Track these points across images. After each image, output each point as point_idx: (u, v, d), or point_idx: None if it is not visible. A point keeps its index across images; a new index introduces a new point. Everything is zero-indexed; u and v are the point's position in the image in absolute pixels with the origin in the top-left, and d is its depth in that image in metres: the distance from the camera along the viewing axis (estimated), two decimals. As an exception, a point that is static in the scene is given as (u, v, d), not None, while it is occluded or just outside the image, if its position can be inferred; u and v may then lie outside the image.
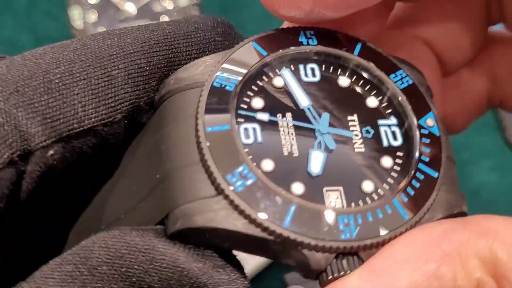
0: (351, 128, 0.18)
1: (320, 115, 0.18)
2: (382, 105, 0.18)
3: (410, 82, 0.18)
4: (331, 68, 0.19)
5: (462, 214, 0.17)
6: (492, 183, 0.40)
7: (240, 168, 0.16)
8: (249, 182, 0.16)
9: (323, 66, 0.19)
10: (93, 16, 0.42)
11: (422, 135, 0.18)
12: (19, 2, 0.46)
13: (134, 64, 0.17)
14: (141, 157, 0.18)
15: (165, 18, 0.43)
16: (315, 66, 0.19)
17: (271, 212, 0.16)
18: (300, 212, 0.16)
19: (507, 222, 0.16)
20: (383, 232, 0.16)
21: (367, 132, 0.18)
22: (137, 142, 0.18)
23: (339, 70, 0.19)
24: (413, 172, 0.17)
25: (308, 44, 0.18)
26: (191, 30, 0.18)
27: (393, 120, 0.18)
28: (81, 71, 0.17)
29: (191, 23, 0.19)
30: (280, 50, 0.18)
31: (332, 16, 0.18)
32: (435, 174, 0.17)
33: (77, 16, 0.42)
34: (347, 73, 0.19)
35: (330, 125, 0.18)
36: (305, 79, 0.18)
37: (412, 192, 0.17)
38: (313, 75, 0.19)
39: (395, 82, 0.18)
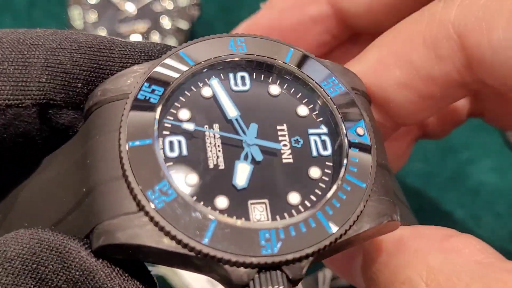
0: (280, 138, 0.17)
1: (248, 126, 0.18)
2: (313, 114, 0.18)
3: (342, 89, 0.18)
4: (262, 76, 0.18)
5: (393, 222, 0.17)
6: (492, 183, 0.40)
7: (161, 185, 0.16)
8: (169, 198, 0.16)
9: (254, 74, 0.18)
10: (93, 16, 0.42)
11: (351, 145, 0.17)
12: (19, 2, 0.46)
13: (55, 58, 0.17)
14: (69, 167, 0.18)
15: (165, 18, 0.43)
16: (245, 74, 0.18)
17: (191, 229, 0.16)
18: (220, 228, 0.16)
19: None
20: (305, 246, 0.16)
21: (296, 142, 0.18)
22: (65, 150, 0.18)
23: (270, 78, 0.18)
24: (339, 183, 0.17)
25: (238, 52, 0.18)
26: (130, 44, 0.19)
27: (323, 129, 0.18)
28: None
29: (136, 43, 0.19)
30: (209, 59, 0.18)
31: None
32: (363, 185, 0.17)
33: (77, 16, 0.42)
34: (278, 81, 0.18)
35: (258, 135, 0.17)
36: (234, 88, 0.18)
37: (338, 204, 0.17)
38: (243, 83, 0.18)
39: (326, 89, 0.18)
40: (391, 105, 0.21)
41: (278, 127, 0.18)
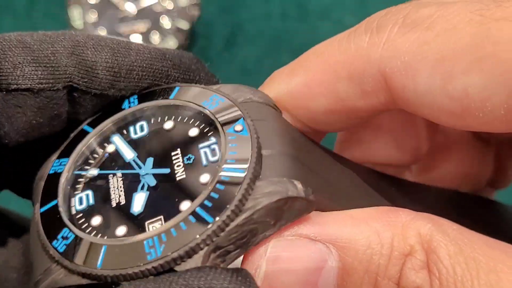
0: (175, 162, 0.19)
1: (145, 162, 0.20)
2: (204, 131, 0.20)
3: (223, 100, 0.20)
4: (158, 118, 0.21)
5: (290, 198, 0.18)
6: (492, 183, 0.40)
7: (63, 232, 0.18)
8: (68, 241, 0.18)
9: (151, 119, 0.21)
10: (93, 16, 0.42)
11: (229, 142, 0.19)
12: (19, 2, 0.46)
13: (80, 50, 0.20)
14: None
15: (165, 18, 0.43)
16: (143, 122, 0.21)
17: (88, 258, 0.18)
18: (111, 251, 0.18)
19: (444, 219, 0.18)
20: (188, 240, 0.17)
21: (189, 159, 0.19)
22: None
23: (164, 117, 0.20)
24: (219, 176, 0.18)
25: (129, 107, 0.21)
26: (159, 54, 0.21)
27: (212, 140, 0.19)
28: (29, 41, 0.19)
29: (164, 53, 0.21)
30: (105, 122, 0.20)
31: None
32: (242, 173, 0.18)
33: (77, 16, 0.42)
34: (169, 117, 0.20)
35: (154, 166, 0.20)
36: (134, 136, 0.20)
37: (216, 196, 0.18)
38: (141, 130, 0.21)
39: (207, 106, 0.20)
40: (316, 125, 0.22)
41: (173, 153, 0.20)
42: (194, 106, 0.20)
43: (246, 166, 0.18)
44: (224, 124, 0.19)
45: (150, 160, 0.20)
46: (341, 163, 0.23)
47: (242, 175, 0.18)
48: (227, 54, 0.45)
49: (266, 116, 0.20)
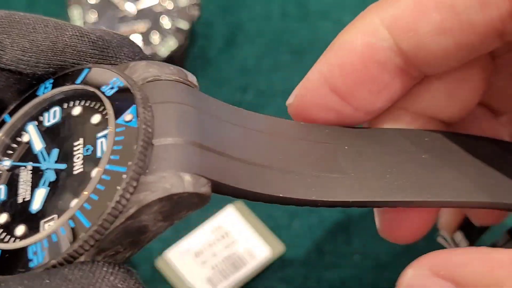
0: (75, 153, 0.18)
1: (50, 154, 0.19)
2: (104, 119, 0.18)
3: (122, 84, 0.18)
4: (67, 104, 0.19)
5: (175, 195, 0.17)
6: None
7: None
8: None
9: (63, 105, 0.19)
10: (92, 16, 0.42)
11: (116, 134, 0.17)
12: (19, 2, 0.46)
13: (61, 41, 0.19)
14: None
15: (165, 18, 0.43)
16: (57, 108, 0.19)
17: None
18: (3, 256, 0.17)
19: None
20: (66, 247, 0.16)
21: (87, 150, 0.18)
22: None
23: (71, 102, 0.19)
24: (99, 175, 0.17)
25: (43, 94, 0.19)
26: (76, 31, 0.20)
27: (110, 129, 0.18)
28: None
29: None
30: (21, 110, 0.19)
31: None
32: (123, 169, 0.17)
33: (76, 16, 0.42)
34: (75, 103, 0.19)
35: (59, 159, 0.18)
36: (47, 124, 0.19)
37: (96, 197, 0.17)
38: (54, 117, 0.19)
39: (105, 91, 0.19)
40: (422, 53, 0.20)
41: (75, 144, 0.18)
42: (94, 91, 0.19)
43: (129, 161, 0.17)
44: (116, 112, 0.18)
45: (55, 152, 0.19)
46: (279, 137, 0.21)
47: (123, 171, 0.17)
48: (227, 54, 0.45)
49: (172, 97, 0.19)
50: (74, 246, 0.16)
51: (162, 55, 0.42)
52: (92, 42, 0.20)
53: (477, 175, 0.22)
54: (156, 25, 0.42)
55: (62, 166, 0.18)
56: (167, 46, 0.42)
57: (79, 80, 0.19)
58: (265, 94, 0.44)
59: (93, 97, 0.19)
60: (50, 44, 0.20)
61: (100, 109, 0.19)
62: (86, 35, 0.20)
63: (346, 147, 0.21)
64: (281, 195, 0.19)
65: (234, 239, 0.38)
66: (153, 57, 0.42)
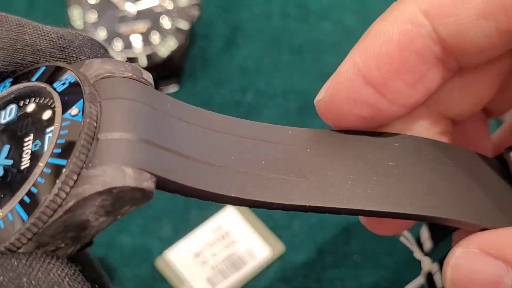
0: (25, 149, 0.18)
1: (1, 150, 0.18)
2: (53, 115, 0.18)
3: (73, 80, 0.18)
4: (22, 101, 0.19)
5: (115, 189, 0.17)
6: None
7: None
8: None
9: (19, 102, 0.19)
10: (92, 16, 0.42)
11: (61, 128, 0.17)
12: (19, 2, 0.46)
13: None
14: None
15: (165, 19, 0.43)
16: (13, 106, 0.19)
17: None
18: None
19: None
20: (3, 240, 0.16)
21: (35, 145, 0.18)
22: None
23: (26, 100, 0.19)
24: (40, 169, 0.17)
25: (1, 92, 0.19)
26: (36, 29, 0.20)
27: (53, 125, 0.18)
28: None
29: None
30: None
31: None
32: (63, 162, 0.17)
33: (76, 16, 0.42)
34: (30, 100, 0.19)
35: (8, 155, 0.18)
36: (3, 121, 0.19)
37: (35, 190, 0.17)
38: (10, 114, 0.19)
39: (57, 87, 0.18)
40: (462, 40, 0.20)
41: (26, 139, 0.18)
42: (46, 87, 0.19)
43: (70, 155, 0.17)
44: (64, 107, 0.18)
45: (6, 148, 0.18)
46: (235, 136, 0.20)
47: (64, 164, 0.17)
48: (227, 54, 0.45)
49: (123, 93, 0.18)
50: (11, 239, 0.16)
51: (162, 55, 0.42)
52: (52, 41, 0.20)
53: (442, 188, 0.21)
54: (156, 25, 0.42)
55: (9, 162, 0.18)
56: (167, 46, 0.42)
57: (34, 78, 0.19)
58: (265, 94, 0.44)
59: (45, 94, 0.19)
60: (10, 41, 0.20)
61: (52, 105, 0.18)
62: (46, 34, 0.20)
63: (308, 150, 0.21)
64: (232, 195, 0.19)
65: (234, 239, 0.38)
66: (153, 57, 0.42)
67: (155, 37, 0.42)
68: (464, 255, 0.20)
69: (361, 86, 0.20)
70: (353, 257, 0.39)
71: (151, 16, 0.43)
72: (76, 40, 0.20)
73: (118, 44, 0.42)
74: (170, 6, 0.43)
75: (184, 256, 0.38)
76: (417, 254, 0.23)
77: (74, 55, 0.20)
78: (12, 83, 0.19)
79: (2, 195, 0.17)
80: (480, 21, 0.19)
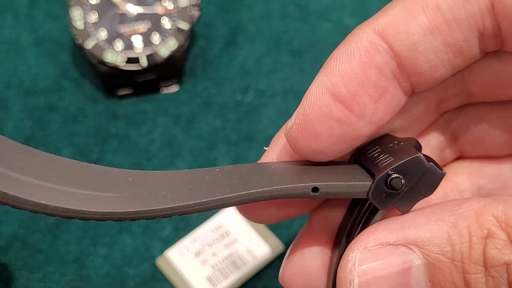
0: None
1: None
2: None
3: None
4: None
5: None
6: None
7: None
8: None
9: None
10: (93, 17, 0.43)
11: None
12: (20, 2, 0.47)
13: None
14: None
15: (165, 19, 0.43)
16: None
17: None
18: None
19: None
20: None
21: None
22: None
23: None
24: None
25: None
26: None
27: None
28: None
29: None
30: None
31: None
32: None
33: (77, 17, 0.42)
34: None
35: None
36: None
37: None
38: None
39: None
40: (414, 54, 0.21)
41: None
42: None
43: None
44: None
45: None
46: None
47: None
48: (227, 54, 0.45)
49: None
50: None
51: (162, 55, 0.42)
52: None
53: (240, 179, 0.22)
54: (156, 26, 0.43)
55: None
56: (168, 46, 0.42)
57: None
58: (265, 94, 0.44)
59: None
60: None
61: None
62: None
63: (130, 179, 0.22)
64: (43, 202, 0.20)
65: (234, 238, 0.39)
66: (153, 57, 0.42)
67: (155, 38, 0.42)
68: (365, 257, 0.20)
69: (330, 103, 0.22)
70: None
71: (151, 16, 0.43)
72: None
73: (118, 45, 0.42)
74: (170, 6, 0.43)
75: (184, 256, 0.38)
76: None
77: None
78: None
79: None
80: (428, 37, 0.21)
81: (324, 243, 0.25)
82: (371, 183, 0.21)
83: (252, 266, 0.38)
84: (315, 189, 0.21)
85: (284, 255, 0.38)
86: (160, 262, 0.38)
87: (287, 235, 0.39)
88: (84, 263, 0.37)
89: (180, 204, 0.21)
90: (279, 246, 0.38)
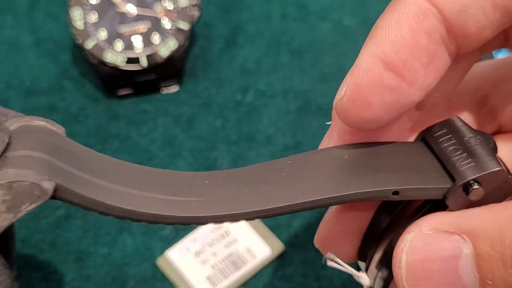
0: None
1: None
2: None
3: None
4: None
5: (14, 183, 0.19)
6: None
7: None
8: None
9: None
10: (93, 17, 0.43)
11: None
12: (20, 2, 0.47)
13: None
14: None
15: (165, 20, 0.43)
16: None
17: None
18: None
19: None
20: None
21: None
22: None
23: None
24: None
25: None
26: None
27: None
28: None
29: None
30: None
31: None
32: None
33: (77, 17, 0.42)
34: None
35: None
36: None
37: None
38: None
39: None
40: (463, 17, 0.22)
41: None
42: None
43: None
44: None
45: None
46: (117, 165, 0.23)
47: None
48: (227, 54, 0.45)
49: (32, 133, 0.21)
50: None
51: (162, 56, 0.42)
52: None
53: (330, 178, 0.22)
54: (156, 26, 0.43)
55: None
56: (168, 46, 0.42)
57: None
58: (265, 94, 0.44)
59: None
60: None
61: None
62: None
63: (207, 182, 0.22)
64: (130, 208, 0.20)
65: (234, 238, 0.39)
66: (153, 57, 0.42)
67: (155, 38, 0.43)
68: (418, 238, 0.21)
69: (381, 72, 0.22)
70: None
71: (151, 16, 0.43)
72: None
73: (118, 45, 0.42)
74: (170, 6, 0.43)
75: (185, 256, 0.38)
76: (353, 272, 0.24)
77: None
78: None
79: None
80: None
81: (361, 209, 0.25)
82: (449, 186, 0.22)
83: (252, 266, 0.38)
84: (395, 192, 0.22)
85: (284, 255, 0.38)
86: (160, 261, 0.38)
87: (287, 235, 0.39)
88: (85, 263, 0.37)
89: (265, 208, 0.21)
90: (278, 246, 0.39)
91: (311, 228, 0.39)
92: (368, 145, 0.24)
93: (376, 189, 0.22)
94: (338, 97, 0.23)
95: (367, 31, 0.23)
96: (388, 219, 0.24)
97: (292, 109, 0.43)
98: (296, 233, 0.39)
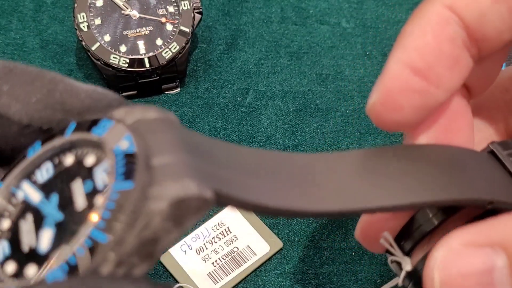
0: (76, 193, 0.19)
1: (50, 200, 0.19)
2: (97, 157, 0.19)
3: (111, 123, 0.20)
4: (58, 157, 0.20)
5: (183, 199, 0.18)
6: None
7: None
8: None
9: (54, 160, 0.20)
10: (98, 20, 0.43)
11: (117, 162, 0.18)
12: (26, 6, 0.47)
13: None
14: None
15: (167, 23, 0.44)
16: (49, 164, 0.20)
17: None
18: None
19: None
20: (88, 264, 0.17)
21: (88, 188, 0.19)
22: None
23: (63, 154, 0.20)
24: (108, 195, 0.18)
25: (34, 153, 0.20)
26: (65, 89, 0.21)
27: (104, 164, 0.19)
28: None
29: None
30: (13, 173, 0.20)
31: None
32: (131, 185, 0.18)
33: (82, 20, 0.43)
34: (68, 153, 0.20)
35: (59, 202, 0.19)
36: (41, 180, 0.20)
37: (108, 215, 0.17)
38: (47, 172, 0.20)
39: (97, 133, 0.19)
40: (482, 22, 0.23)
41: (74, 186, 0.19)
42: (85, 136, 0.20)
43: (134, 178, 0.18)
44: (111, 145, 0.19)
45: (54, 197, 0.19)
46: (260, 155, 0.22)
47: (131, 187, 0.18)
48: (228, 57, 0.46)
49: (158, 129, 0.20)
50: (94, 261, 0.17)
51: (165, 58, 0.43)
52: (81, 101, 0.21)
53: (445, 178, 0.23)
54: (159, 29, 0.43)
55: (68, 204, 0.19)
56: (170, 49, 0.43)
57: (68, 133, 0.20)
58: (265, 96, 0.44)
59: (85, 142, 0.20)
60: (43, 97, 0.20)
61: (90, 152, 0.19)
62: (76, 94, 0.21)
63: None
64: (291, 207, 0.20)
65: (234, 236, 0.39)
66: (156, 60, 0.43)
67: (158, 40, 0.43)
68: (449, 254, 0.21)
69: (410, 77, 0.23)
70: (349, 253, 0.39)
71: (154, 20, 0.43)
72: (104, 100, 0.21)
73: (122, 47, 0.43)
74: (172, 10, 0.44)
75: (186, 253, 0.39)
76: (398, 254, 0.24)
77: (101, 114, 0.21)
78: (43, 144, 0.20)
79: (69, 234, 0.18)
80: (495, 5, 0.22)
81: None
82: None
83: (252, 263, 0.38)
84: (490, 202, 0.22)
85: (283, 252, 0.39)
86: (163, 259, 0.38)
87: (286, 233, 0.40)
88: (89, 260, 0.38)
89: (371, 206, 0.21)
90: (278, 243, 0.39)
91: (310, 226, 0.40)
92: (450, 149, 0.24)
93: (478, 198, 0.22)
94: (370, 101, 0.24)
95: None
96: (435, 219, 0.24)
97: (291, 110, 0.44)
98: (295, 231, 0.40)
